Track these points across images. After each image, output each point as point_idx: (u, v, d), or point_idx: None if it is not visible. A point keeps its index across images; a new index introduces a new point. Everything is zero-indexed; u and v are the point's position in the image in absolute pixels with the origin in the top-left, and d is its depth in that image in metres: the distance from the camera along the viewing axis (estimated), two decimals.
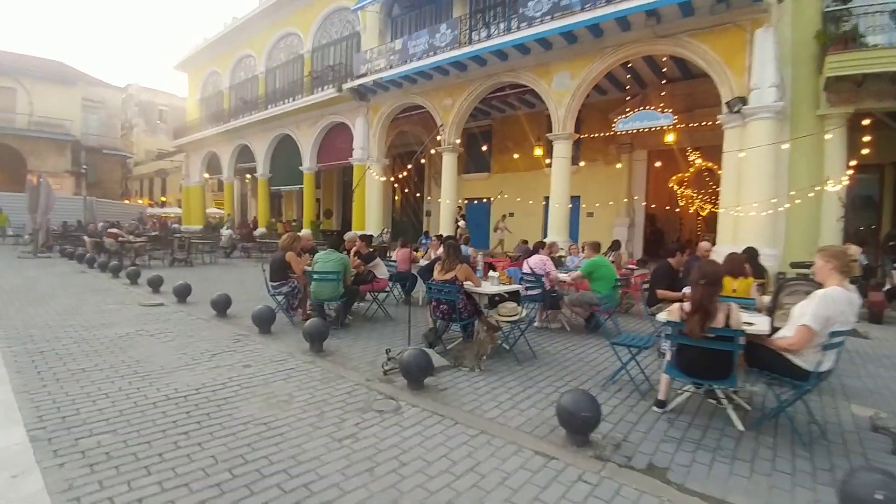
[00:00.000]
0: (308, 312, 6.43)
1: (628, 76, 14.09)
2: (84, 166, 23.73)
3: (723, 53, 10.37)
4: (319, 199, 23.76)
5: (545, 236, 17.13)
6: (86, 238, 13.13)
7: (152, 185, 40.94)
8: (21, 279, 9.66)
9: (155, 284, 8.40)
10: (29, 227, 14.84)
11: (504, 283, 5.42)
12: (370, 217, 17.08)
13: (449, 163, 14.83)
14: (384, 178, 16.99)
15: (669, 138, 14.05)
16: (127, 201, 37.22)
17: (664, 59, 12.91)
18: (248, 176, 26.16)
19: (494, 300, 5.36)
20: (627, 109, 13.22)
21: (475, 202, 18.48)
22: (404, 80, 14.92)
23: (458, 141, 14.87)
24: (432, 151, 15.55)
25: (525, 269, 6.52)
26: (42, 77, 28.97)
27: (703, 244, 6.80)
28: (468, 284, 4.97)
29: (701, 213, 21.97)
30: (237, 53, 23.01)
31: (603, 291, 6.29)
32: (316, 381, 4.14)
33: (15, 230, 17.78)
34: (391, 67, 15.07)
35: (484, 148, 17.42)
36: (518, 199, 16.99)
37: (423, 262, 7.99)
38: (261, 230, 20.57)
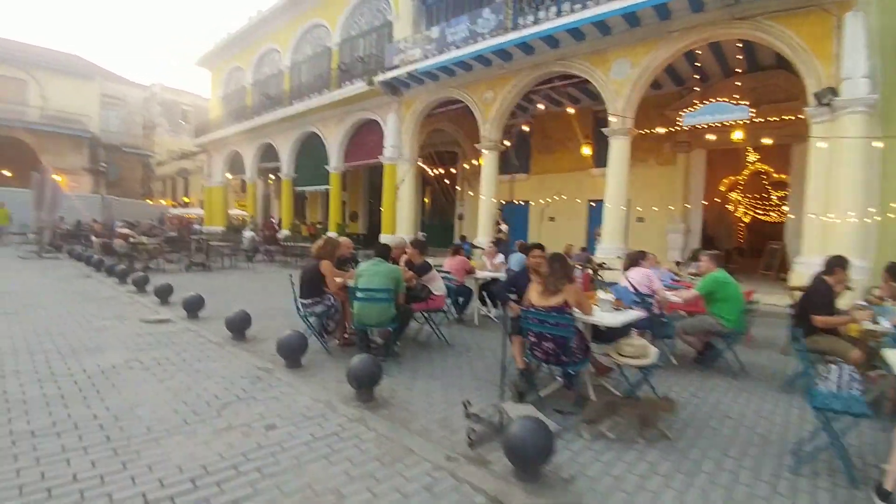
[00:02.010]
0: (346, 337, 5.02)
1: (692, 66, 12.51)
2: (103, 164, 22.87)
3: (808, 39, 8.83)
4: (345, 201, 22.50)
5: (589, 242, 15.59)
6: (93, 238, 11.97)
7: (175, 186, 40.36)
8: (12, 283, 8.47)
9: (163, 294, 7.10)
10: (34, 224, 13.78)
11: (618, 309, 3.91)
12: (401, 220, 15.68)
13: (489, 161, 13.38)
14: (415, 179, 15.62)
15: (737, 135, 12.39)
16: (149, 201, 36.62)
17: (738, 45, 11.34)
18: (272, 177, 25.10)
19: (600, 331, 3.88)
20: (696, 101, 11.62)
21: (514, 204, 16.96)
22: (441, 71, 13.53)
23: (500, 138, 13.41)
24: (477, 146, 14.11)
25: (621, 284, 5.00)
26: (56, 69, 28.19)
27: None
28: (577, 312, 3.49)
29: (744, 219, 20.23)
30: (261, 48, 21.94)
31: (727, 317, 4.76)
32: (373, 462, 2.69)
33: (21, 228, 16.83)
34: (426, 58, 13.70)
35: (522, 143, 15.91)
36: (561, 202, 15.48)
37: (484, 274, 6.53)
38: (284, 232, 19.36)
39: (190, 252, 12.19)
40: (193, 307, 6.24)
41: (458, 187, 19.33)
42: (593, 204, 14.68)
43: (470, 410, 3.33)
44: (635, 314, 3.84)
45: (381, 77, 14.86)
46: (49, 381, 3.70)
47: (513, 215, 16.37)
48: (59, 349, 4.58)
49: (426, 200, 20.73)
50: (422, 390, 3.89)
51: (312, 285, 4.70)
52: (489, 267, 6.92)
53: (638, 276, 4.86)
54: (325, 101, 17.22)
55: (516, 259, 7.61)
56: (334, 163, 17.97)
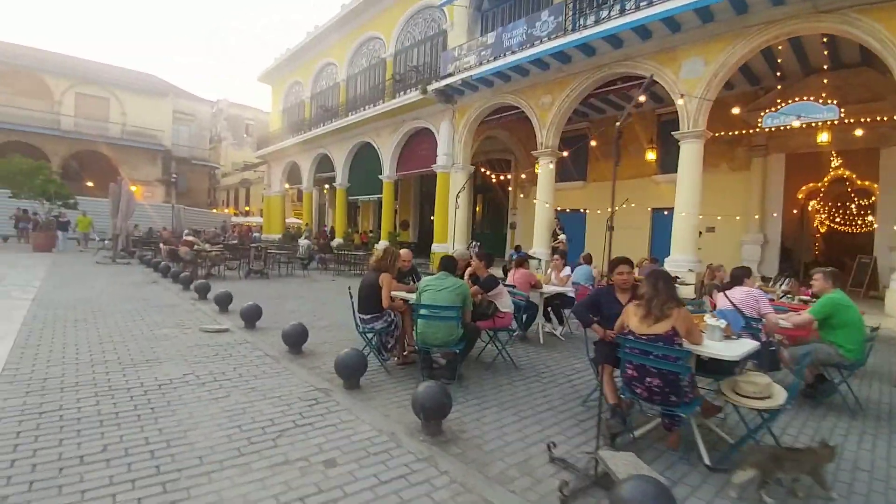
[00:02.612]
0: (405, 355, 4.62)
1: (769, 64, 11.40)
2: (174, 175, 24.21)
3: None
4: (396, 210, 22.52)
5: (653, 253, 14.56)
6: (161, 245, 12.42)
7: (237, 195, 42.33)
8: (86, 289, 8.77)
9: (223, 303, 7.03)
10: (109, 232, 14.54)
11: (729, 337, 3.26)
12: (453, 229, 15.32)
13: (546, 168, 12.77)
14: (468, 188, 15.23)
15: (823, 138, 11.15)
16: (214, 210, 38.55)
17: (823, 40, 10.22)
18: (326, 186, 25.59)
19: (701, 361, 3.24)
20: (777, 101, 10.52)
21: (570, 213, 16.20)
22: (496, 77, 13.11)
23: (557, 144, 12.77)
24: (533, 153, 13.55)
25: (720, 305, 4.31)
26: (135, 88, 30.25)
27: None
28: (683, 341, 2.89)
29: (820, 229, 18.30)
30: (318, 62, 22.47)
31: (846, 345, 3.99)
32: None
33: (100, 235, 17.93)
34: (481, 64, 13.35)
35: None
36: (620, 210, 14.50)
37: (550, 288, 5.97)
38: (337, 241, 19.53)
39: (249, 259, 12.37)
40: (251, 317, 6.08)
41: (510, 196, 18.78)
42: (665, 213, 13.66)
43: (555, 454, 2.81)
44: (752, 344, 3.18)
45: (435, 85, 14.65)
46: (106, 397, 3.52)
47: (569, 224, 15.57)
48: (120, 359, 4.48)
49: (477, 209, 20.30)
50: (493, 423, 3.40)
51: (371, 299, 4.34)
52: (554, 281, 6.35)
53: (742, 297, 4.15)
54: (379, 111, 17.25)
55: (583, 272, 6.99)
56: (387, 172, 17.94)
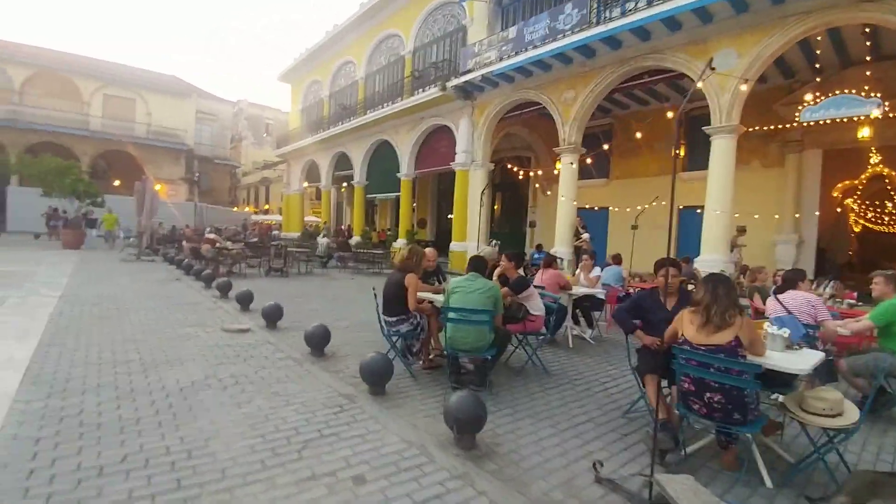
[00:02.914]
0: (431, 359, 4.42)
1: (805, 56, 10.86)
2: (196, 174, 24.56)
3: None
4: (413, 208, 22.37)
5: (680, 254, 14.10)
6: (184, 243, 12.47)
7: (257, 194, 42.75)
8: (111, 286, 8.79)
9: (244, 301, 6.95)
10: (135, 230, 14.70)
11: (790, 347, 2.97)
12: (472, 228, 15.09)
13: (568, 166, 12.43)
14: (486, 185, 14.98)
15: (864, 133, 10.57)
16: (235, 209, 39.01)
17: (865, 30, 9.68)
18: (345, 184, 25.58)
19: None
20: (817, 94, 9.99)
21: (591, 211, 15.80)
22: (517, 72, 12.81)
23: (580, 141, 12.41)
24: (555, 150, 13.22)
25: (771, 311, 3.99)
26: (159, 89, 30.80)
27: None
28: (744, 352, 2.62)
29: (855, 228, 17.51)
30: (337, 61, 22.42)
31: None
32: None
33: (125, 233, 18.21)
34: (501, 60, 13.06)
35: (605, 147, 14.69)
36: (643, 209, 14.09)
37: (581, 290, 5.70)
38: (355, 239, 19.48)
39: (269, 257, 12.34)
40: (272, 317, 5.96)
41: (529, 193, 18.46)
42: (697, 211, 13.16)
43: (602, 474, 2.57)
44: (818, 355, 2.89)
45: (454, 82, 14.42)
46: (127, 400, 3.40)
47: (590, 223, 15.18)
48: (142, 359, 4.38)
49: (496, 207, 20.01)
50: (530, 436, 3.17)
51: (397, 301, 4.15)
52: (583, 281, 6.07)
53: (798, 302, 3.83)
54: (398, 109, 17.08)
55: (612, 273, 6.70)
56: (405, 169, 17.78)
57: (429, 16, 17.10)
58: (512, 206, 19.65)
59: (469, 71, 14.00)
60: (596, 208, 15.38)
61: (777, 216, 12.02)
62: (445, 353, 3.79)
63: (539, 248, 12.79)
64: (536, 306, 4.42)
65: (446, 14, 16.46)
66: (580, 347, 5.66)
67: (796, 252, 11.78)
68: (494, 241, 13.11)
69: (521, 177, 17.49)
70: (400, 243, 18.05)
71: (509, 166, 16.34)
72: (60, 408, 3.20)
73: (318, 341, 4.74)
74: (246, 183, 43.33)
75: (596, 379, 4.48)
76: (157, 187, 28.10)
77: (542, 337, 4.51)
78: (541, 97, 12.87)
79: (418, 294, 4.21)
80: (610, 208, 15.48)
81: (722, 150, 9.66)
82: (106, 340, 5.00)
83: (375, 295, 4.45)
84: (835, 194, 14.74)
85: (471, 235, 15.09)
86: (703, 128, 9.93)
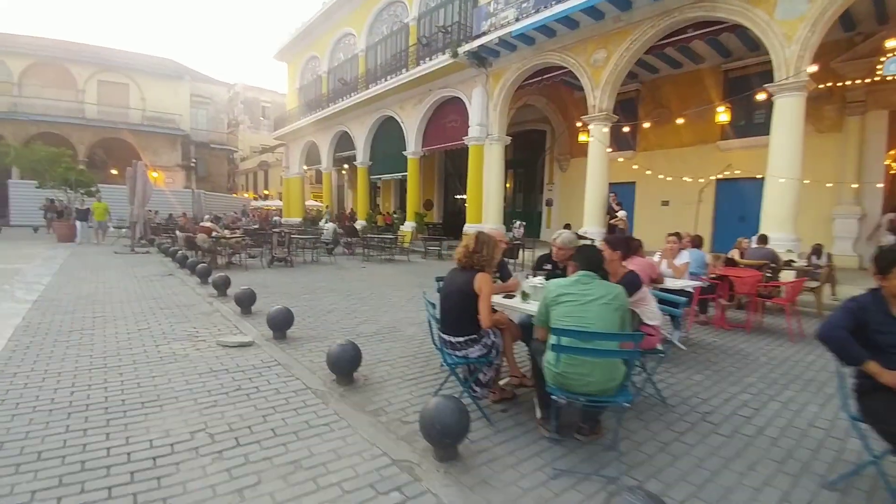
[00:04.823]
0: (505, 389, 3.14)
1: (881, 3, 9.34)
2: (193, 160, 22.95)
3: None
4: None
5: (716, 231, 12.80)
6: (177, 233, 11.08)
7: (256, 179, 41.13)
8: (96, 285, 7.48)
9: (244, 303, 5.65)
10: (128, 219, 13.30)
11: None
12: (488, 208, 13.72)
13: (599, 136, 10.99)
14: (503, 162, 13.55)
15: None
16: (235, 195, 37.44)
17: None
18: (346, 166, 24.04)
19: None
20: (887, 46, 8.52)
21: (615, 186, 14.42)
22: (539, 32, 11.23)
23: (612, 107, 10.94)
24: (583, 118, 11.76)
25: None
26: (151, 73, 28.85)
27: None
28: None
29: None
30: (336, 33, 20.60)
31: None
32: None
33: (119, 223, 16.79)
34: (519, 20, 11.48)
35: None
36: (675, 183, 12.74)
37: (675, 283, 4.39)
38: (360, 223, 18.08)
39: (272, 246, 11.00)
40: (281, 325, 4.66)
41: (545, 170, 17.01)
42: (741, 184, 11.80)
43: None
44: None
45: (466, 47, 12.83)
46: (72, 488, 2.12)
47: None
48: (108, 401, 3.09)
49: (507, 186, 18.57)
50: None
51: (464, 314, 2.84)
52: (667, 270, 4.76)
53: None
54: (403, 81, 15.48)
55: (696, 259, 5.39)
56: (412, 147, 16.28)
57: None
58: (526, 184, 18.20)
59: (483, 34, 12.41)
60: (623, 183, 13.96)
61: (832, 187, 10.61)
62: (550, 393, 2.47)
63: (568, 227, 11.44)
64: (652, 313, 3.12)
65: None
66: (674, 357, 4.38)
67: (858, 227, 10.45)
68: (519, 223, 11.80)
69: (533, 152, 16.06)
70: (408, 226, 16.68)
71: (520, 143, 14.88)
72: None
73: (346, 365, 3.45)
74: (244, 168, 41.63)
75: (731, 410, 3.21)
76: (155, 175, 26.57)
77: (661, 355, 3.20)
78: (566, 60, 11.33)
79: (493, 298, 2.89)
80: (636, 183, 14.11)
81: (788, 109, 8.21)
82: (69, 368, 3.71)
83: (428, 300, 3.12)
84: (886, 162, 13.27)
85: (487, 216, 13.74)
86: (766, 85, 8.47)
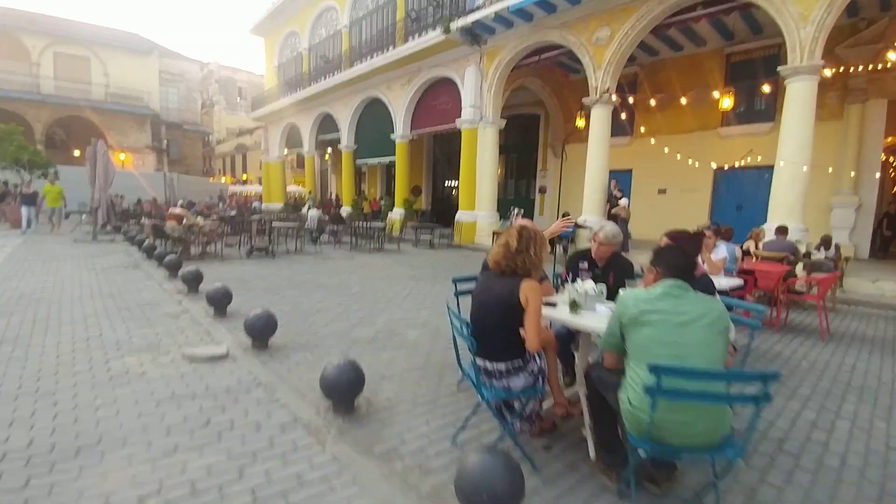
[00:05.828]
0: (544, 419, 2.50)
1: None
2: (165, 141, 21.42)
3: None
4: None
5: (714, 219, 12.39)
6: (144, 220, 10.02)
7: (234, 163, 39.35)
8: (47, 278, 6.54)
9: (218, 303, 4.85)
10: (89, 204, 12.03)
11: None
12: (482, 195, 13.03)
13: (600, 120, 10.37)
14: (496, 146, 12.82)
15: None
16: (211, 179, 35.73)
17: None
18: (329, 150, 22.90)
19: None
20: (889, 33, 8.08)
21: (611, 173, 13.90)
22: (539, 6, 10.44)
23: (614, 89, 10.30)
24: (584, 101, 11.10)
25: None
26: (116, 46, 26.88)
27: None
28: None
29: None
30: (317, 7, 19.29)
31: None
32: None
33: (80, 207, 15.37)
34: None
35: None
36: (673, 170, 12.28)
37: (721, 281, 3.80)
38: (346, 210, 17.16)
39: (251, 234, 10.09)
40: (262, 332, 3.91)
41: (539, 156, 16.37)
42: (737, 171, 11.37)
43: None
44: None
45: (460, 22, 11.94)
46: None
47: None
48: (32, 446, 2.33)
49: (499, 171, 17.88)
50: None
51: (506, 334, 2.16)
52: (705, 267, 4.17)
53: None
54: (390, 59, 14.50)
55: (729, 253, 4.82)
56: (400, 130, 15.38)
57: None
58: (518, 170, 17.53)
59: (477, 8, 11.56)
60: (620, 170, 13.42)
61: (831, 175, 10.27)
62: (638, 447, 1.81)
63: (566, 215, 10.86)
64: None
65: None
66: None
67: (855, 217, 10.17)
68: (517, 210, 11.13)
69: (525, 137, 15.39)
70: (397, 213, 15.87)
71: (513, 127, 14.18)
72: None
73: (346, 390, 2.74)
74: (221, 152, 39.73)
75: (805, 436, 2.64)
76: (122, 157, 24.86)
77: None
78: (566, 38, 10.60)
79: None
80: (633, 170, 13.60)
81: (800, 94, 7.74)
82: None
83: (454, 314, 2.42)
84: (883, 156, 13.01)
85: (481, 203, 13.05)
86: (780, 68, 7.93)
